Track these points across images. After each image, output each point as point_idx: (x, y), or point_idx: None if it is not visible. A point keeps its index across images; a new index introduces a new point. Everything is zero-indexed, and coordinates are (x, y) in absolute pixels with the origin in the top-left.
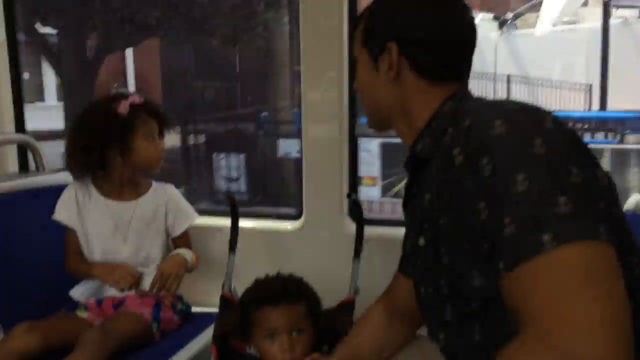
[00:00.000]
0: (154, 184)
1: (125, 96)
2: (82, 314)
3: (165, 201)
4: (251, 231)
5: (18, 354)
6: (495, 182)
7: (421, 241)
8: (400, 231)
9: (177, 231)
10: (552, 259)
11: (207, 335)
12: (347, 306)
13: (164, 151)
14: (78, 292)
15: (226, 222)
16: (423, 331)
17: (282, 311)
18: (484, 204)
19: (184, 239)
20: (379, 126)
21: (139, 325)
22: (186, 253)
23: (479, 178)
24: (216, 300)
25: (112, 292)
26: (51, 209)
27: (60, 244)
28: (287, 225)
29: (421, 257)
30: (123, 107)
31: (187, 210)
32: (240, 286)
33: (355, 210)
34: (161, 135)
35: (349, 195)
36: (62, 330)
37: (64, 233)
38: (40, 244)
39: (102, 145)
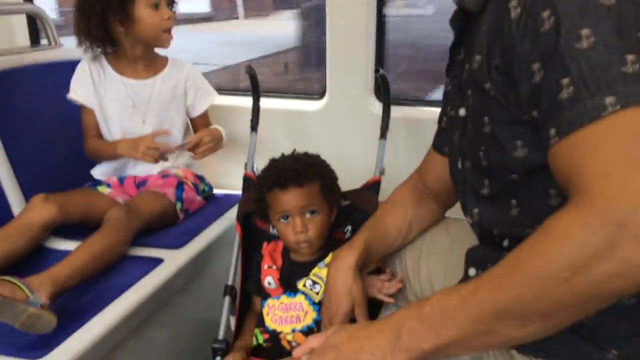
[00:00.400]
0: (171, 61)
1: None
2: (104, 190)
3: (185, 79)
4: (273, 111)
5: (37, 224)
6: (554, 39)
7: (462, 111)
8: (428, 111)
9: (198, 111)
10: (614, 123)
11: (230, 215)
12: (372, 186)
13: (172, 22)
14: (99, 172)
15: (248, 101)
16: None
17: (293, 193)
18: (539, 64)
19: (204, 119)
20: None
21: (162, 204)
22: (221, 130)
23: (536, 34)
24: (239, 181)
25: (134, 171)
26: (66, 84)
27: (76, 118)
28: (311, 104)
29: (460, 129)
30: None
31: (208, 89)
32: (263, 166)
33: (383, 87)
34: (170, 4)
35: (376, 71)
36: (81, 201)
37: (78, 108)
38: (57, 120)
39: (102, 16)
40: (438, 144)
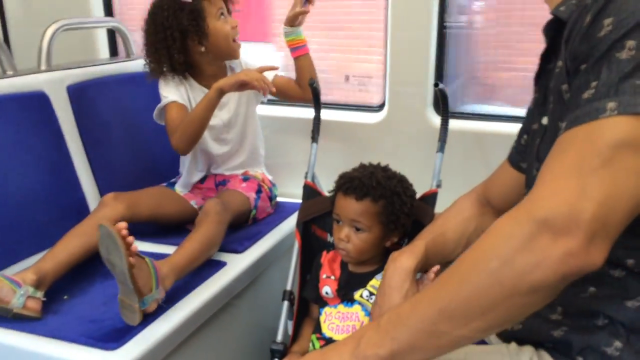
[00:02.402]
0: (232, 65)
1: None
2: (179, 190)
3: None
4: (334, 122)
5: (108, 221)
6: (604, 45)
7: (544, 120)
8: (487, 125)
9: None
10: (599, 127)
11: (290, 222)
12: (429, 198)
13: (237, 26)
14: (180, 187)
15: (308, 112)
16: None
17: (349, 202)
18: (585, 65)
19: (283, 79)
20: None
21: (245, 205)
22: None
23: (593, 38)
24: (298, 191)
25: (219, 169)
26: (141, 93)
27: (150, 126)
28: (370, 116)
29: (541, 137)
30: None
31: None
32: (322, 176)
33: (442, 101)
34: (229, 11)
35: (436, 85)
36: (150, 201)
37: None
38: (133, 127)
39: (182, 40)
40: (515, 159)
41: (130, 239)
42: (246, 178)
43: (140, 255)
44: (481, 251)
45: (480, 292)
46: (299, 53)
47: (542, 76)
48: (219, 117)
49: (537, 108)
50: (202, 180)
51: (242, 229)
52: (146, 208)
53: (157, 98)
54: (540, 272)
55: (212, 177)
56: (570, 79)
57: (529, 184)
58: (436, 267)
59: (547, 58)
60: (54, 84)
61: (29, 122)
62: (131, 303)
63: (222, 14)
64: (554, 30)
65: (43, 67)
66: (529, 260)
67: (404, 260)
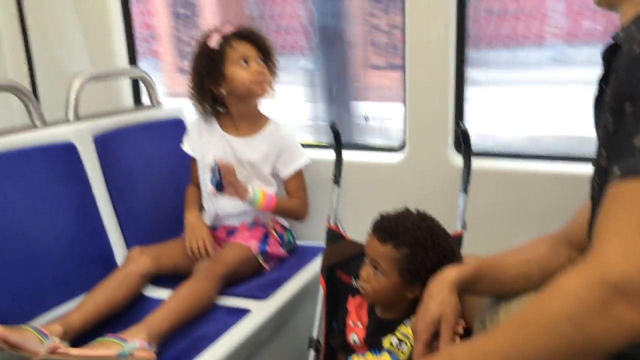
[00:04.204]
0: (271, 121)
1: (218, 29)
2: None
3: (279, 140)
4: (355, 163)
5: (134, 275)
6: None
7: (599, 150)
8: (511, 164)
9: (285, 172)
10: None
11: (314, 266)
12: (455, 241)
13: (263, 74)
14: None
15: (330, 154)
16: None
17: (373, 242)
18: (630, 102)
19: (293, 182)
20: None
21: (246, 256)
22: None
23: (638, 73)
24: (321, 233)
25: (227, 221)
26: (165, 141)
27: (174, 173)
28: (391, 157)
29: (597, 170)
30: (213, 40)
31: (297, 152)
32: (345, 218)
33: (464, 141)
34: (264, 59)
35: (457, 125)
36: (173, 253)
37: (178, 164)
38: (157, 174)
39: (207, 82)
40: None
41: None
42: (252, 225)
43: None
44: (551, 312)
45: (549, 352)
46: (269, 209)
47: (598, 101)
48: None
49: (596, 133)
50: (214, 227)
51: (263, 275)
52: (170, 261)
53: (180, 145)
54: (613, 338)
55: (224, 227)
56: (614, 113)
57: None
58: (462, 324)
59: (604, 82)
60: (81, 135)
61: (58, 172)
62: None
63: (244, 60)
64: (611, 54)
65: (70, 118)
66: (603, 327)
67: (447, 272)
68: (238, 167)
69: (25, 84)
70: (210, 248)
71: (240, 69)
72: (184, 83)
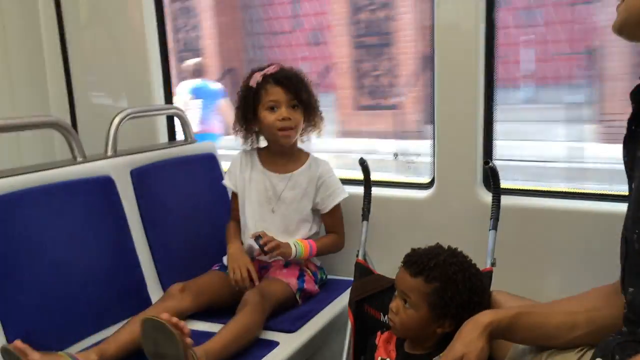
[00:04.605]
0: (311, 158)
1: (262, 68)
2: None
3: (318, 176)
4: (384, 198)
5: (173, 312)
6: None
7: (633, 186)
8: (540, 201)
9: (325, 208)
10: None
11: (342, 300)
12: (484, 276)
13: (290, 121)
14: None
15: (359, 190)
16: None
17: (404, 275)
18: None
19: (331, 217)
20: (630, 31)
21: (287, 292)
22: (300, 246)
23: None
24: (350, 268)
25: (261, 256)
26: (199, 176)
27: (207, 207)
28: (419, 193)
29: (629, 206)
30: (253, 80)
31: (336, 188)
32: (373, 253)
33: (493, 179)
34: (298, 105)
35: (486, 163)
36: (211, 289)
37: (210, 198)
38: (190, 208)
39: (246, 119)
40: None
41: (181, 323)
42: (287, 264)
43: None
44: None
45: None
46: (312, 255)
47: (631, 140)
48: (265, 224)
49: (627, 173)
50: None
51: (292, 309)
52: (208, 298)
53: (212, 179)
54: None
55: (257, 262)
56: None
57: (624, 253)
58: None
59: (635, 122)
60: (119, 169)
61: (97, 204)
62: None
63: (272, 107)
64: None
65: (109, 153)
66: None
67: (481, 315)
68: (272, 203)
69: (67, 120)
70: (254, 276)
71: (269, 113)
72: (360, 121)
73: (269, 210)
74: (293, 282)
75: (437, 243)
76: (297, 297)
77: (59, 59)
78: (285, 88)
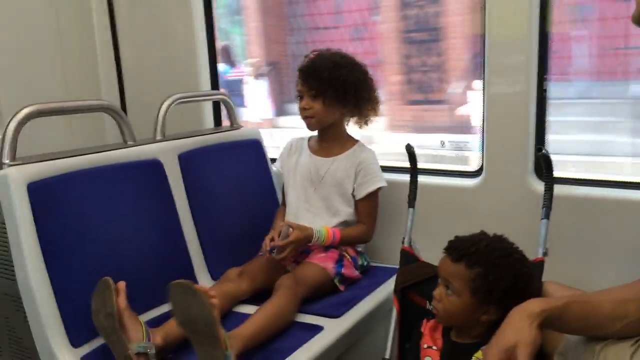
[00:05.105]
0: (357, 145)
1: (306, 56)
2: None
3: (358, 162)
4: (431, 186)
5: (231, 295)
6: None
7: None
8: (594, 191)
9: (359, 194)
10: None
11: (387, 287)
12: (536, 266)
13: (306, 110)
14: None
15: (405, 177)
16: None
17: (446, 261)
18: None
19: (364, 205)
20: None
21: (323, 276)
22: (322, 233)
23: None
24: (395, 255)
25: None
26: (244, 161)
27: (251, 192)
28: (467, 181)
29: None
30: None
31: (374, 176)
32: (419, 241)
33: (546, 167)
34: (320, 94)
35: (539, 150)
36: (265, 273)
37: (254, 183)
38: (235, 192)
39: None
40: None
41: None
42: (328, 248)
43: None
44: None
45: None
46: (335, 243)
47: None
48: (307, 205)
49: None
50: None
51: (336, 294)
52: (260, 282)
53: (257, 165)
54: None
55: None
56: None
57: None
58: None
59: None
60: (167, 153)
61: (146, 186)
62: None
63: (300, 96)
64: None
65: (158, 137)
66: None
67: (531, 303)
68: (314, 186)
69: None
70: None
71: (299, 102)
72: (410, 115)
73: (312, 191)
74: (330, 266)
75: (482, 230)
76: (336, 282)
77: (110, 46)
78: (305, 79)
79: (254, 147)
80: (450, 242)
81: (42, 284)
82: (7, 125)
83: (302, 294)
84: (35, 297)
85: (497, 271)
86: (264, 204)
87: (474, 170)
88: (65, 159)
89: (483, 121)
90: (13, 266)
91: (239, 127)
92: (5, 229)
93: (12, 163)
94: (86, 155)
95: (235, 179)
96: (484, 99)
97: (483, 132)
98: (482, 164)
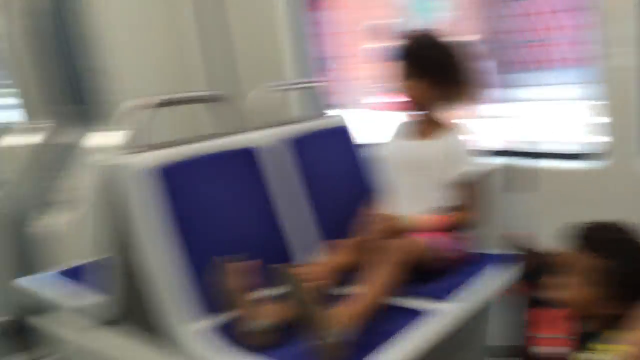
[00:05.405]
0: (455, 128)
1: None
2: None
3: (450, 144)
4: (549, 171)
5: (336, 270)
6: None
7: None
8: None
9: (446, 177)
10: None
11: (500, 274)
12: None
13: (404, 91)
14: None
15: (518, 161)
16: None
17: (573, 252)
18: None
19: (462, 190)
20: None
21: (424, 255)
22: (420, 220)
23: None
24: (505, 242)
25: None
26: (336, 147)
27: (346, 178)
28: (588, 165)
29: None
30: None
31: (462, 158)
32: (536, 227)
33: None
34: (411, 75)
35: None
36: (368, 247)
37: (347, 169)
38: (330, 178)
39: None
40: None
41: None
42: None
43: None
44: None
45: None
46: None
47: None
48: (399, 188)
49: None
50: None
51: (443, 278)
52: (366, 254)
53: (350, 151)
54: None
55: None
56: None
57: None
58: None
59: None
60: (264, 140)
61: (244, 174)
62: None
63: (401, 78)
64: None
65: (255, 125)
66: None
67: None
68: (407, 170)
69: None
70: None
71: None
72: None
73: (405, 175)
74: (434, 246)
75: (611, 219)
76: (441, 263)
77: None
78: (406, 60)
79: (342, 133)
80: (578, 230)
81: (167, 262)
82: (139, 114)
83: (404, 268)
84: (161, 274)
85: (626, 263)
86: (359, 188)
87: (596, 153)
88: (186, 145)
89: (605, 97)
90: (134, 244)
91: (325, 115)
92: (129, 210)
93: (143, 149)
94: (204, 142)
95: (330, 163)
96: (604, 71)
97: (608, 111)
98: (606, 146)
